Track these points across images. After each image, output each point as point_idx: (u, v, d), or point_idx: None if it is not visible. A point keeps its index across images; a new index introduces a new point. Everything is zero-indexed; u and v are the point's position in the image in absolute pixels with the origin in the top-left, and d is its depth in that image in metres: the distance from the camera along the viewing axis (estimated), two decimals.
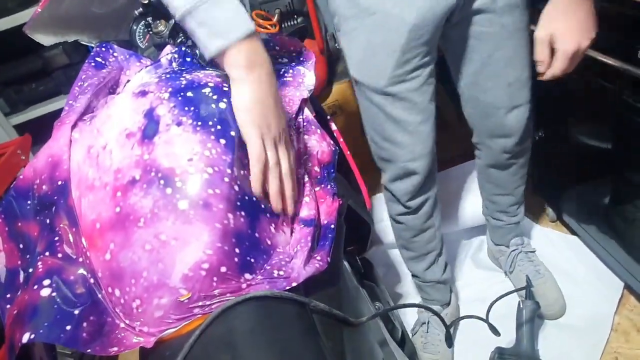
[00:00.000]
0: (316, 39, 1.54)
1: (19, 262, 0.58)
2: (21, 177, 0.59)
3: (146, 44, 1.03)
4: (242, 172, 0.55)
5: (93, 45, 1.06)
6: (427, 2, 0.80)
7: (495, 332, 0.85)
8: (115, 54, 0.80)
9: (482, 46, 0.90)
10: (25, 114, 1.56)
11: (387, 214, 1.14)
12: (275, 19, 1.58)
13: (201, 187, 0.51)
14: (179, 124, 0.54)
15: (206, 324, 0.46)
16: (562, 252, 1.33)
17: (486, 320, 0.85)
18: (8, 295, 0.57)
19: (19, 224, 0.58)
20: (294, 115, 0.67)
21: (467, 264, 1.41)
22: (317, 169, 0.64)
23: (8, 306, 0.56)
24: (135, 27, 1.02)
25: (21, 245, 0.58)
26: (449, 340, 0.72)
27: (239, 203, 0.53)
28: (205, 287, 0.48)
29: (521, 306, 1.12)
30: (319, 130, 0.68)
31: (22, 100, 1.58)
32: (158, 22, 0.90)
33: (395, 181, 1.01)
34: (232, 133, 0.54)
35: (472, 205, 1.40)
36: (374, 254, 1.48)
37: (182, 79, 0.59)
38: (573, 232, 1.37)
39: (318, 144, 0.66)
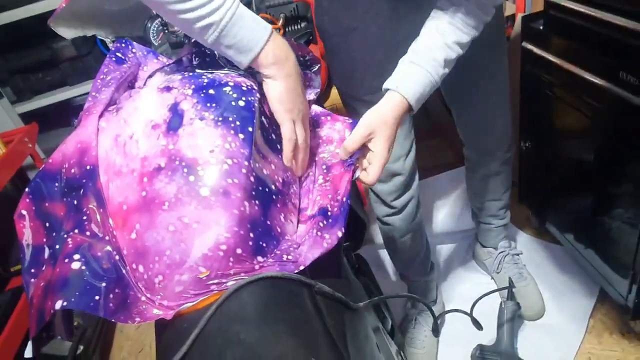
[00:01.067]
0: (318, 44, 1.60)
1: (44, 240, 0.63)
2: (50, 161, 0.64)
3: (159, 41, 1.08)
4: (257, 165, 0.60)
5: (109, 40, 1.11)
6: (404, 24, 0.86)
7: (478, 326, 0.91)
8: (134, 50, 0.85)
9: (468, 64, 0.95)
10: (31, 103, 1.59)
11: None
12: (280, 23, 1.64)
13: (221, 177, 0.56)
14: (201, 118, 0.59)
15: (222, 299, 0.51)
16: (544, 258, 1.41)
17: (470, 315, 0.91)
18: (32, 270, 0.62)
19: (46, 204, 0.62)
20: None
21: (454, 267, 1.47)
22: (335, 149, 0.70)
23: (32, 280, 0.61)
24: (149, 25, 1.07)
25: (47, 224, 0.62)
26: (436, 331, 0.77)
27: (254, 193, 0.58)
28: (223, 267, 0.53)
29: (503, 306, 1.19)
30: (328, 117, 0.74)
31: (29, 89, 1.60)
32: None
33: (380, 183, 1.07)
34: (250, 129, 0.60)
35: (460, 209, 1.47)
36: (365, 253, 1.54)
37: (204, 77, 0.65)
38: (555, 240, 1.44)
39: (332, 129, 0.73)
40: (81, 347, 1.25)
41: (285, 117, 0.64)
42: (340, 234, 0.59)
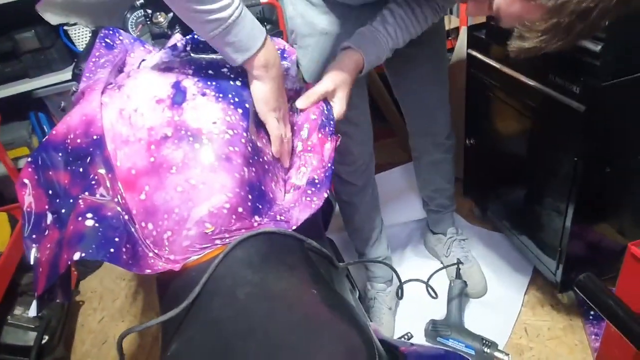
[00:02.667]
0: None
1: (46, 207, 0.67)
2: (54, 132, 0.68)
3: (138, 33, 1.12)
4: (252, 137, 0.68)
5: (89, 28, 1.14)
6: None
7: (434, 294, 1.03)
8: (121, 38, 0.90)
9: (416, 66, 1.15)
10: None
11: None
12: None
13: (224, 144, 0.63)
14: (203, 94, 0.66)
15: (231, 247, 0.58)
16: (486, 244, 1.57)
17: (426, 283, 1.03)
18: (34, 236, 0.65)
19: (50, 173, 0.66)
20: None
21: (407, 253, 1.60)
22: (314, 116, 0.77)
23: (34, 245, 0.65)
24: (129, 16, 1.12)
25: (50, 192, 0.66)
26: (401, 294, 0.88)
27: (251, 160, 0.66)
28: (226, 223, 0.60)
29: (452, 284, 1.33)
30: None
31: None
32: (158, 13, 1.01)
33: (343, 164, 1.19)
34: (247, 105, 0.68)
35: (412, 201, 1.61)
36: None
37: (202, 60, 0.72)
38: (495, 228, 1.61)
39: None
40: (46, 337, 1.25)
41: (270, 115, 0.70)
42: (326, 194, 0.67)
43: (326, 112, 0.78)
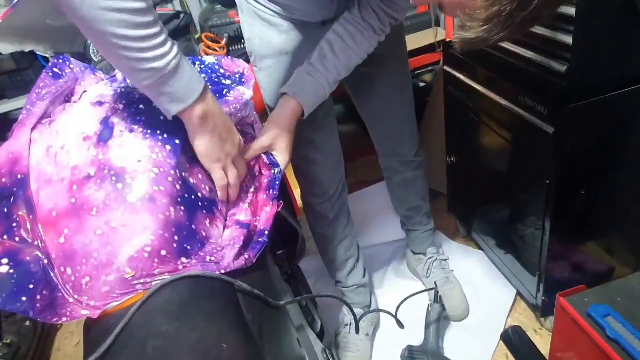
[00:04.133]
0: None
1: None
2: None
3: (99, 57, 1.11)
4: (184, 174, 0.65)
5: (48, 55, 1.13)
6: None
7: (401, 325, 0.99)
8: (71, 66, 0.88)
9: (378, 87, 1.13)
10: None
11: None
12: (223, 42, 1.70)
13: (148, 184, 0.61)
14: (131, 131, 0.64)
15: (147, 295, 0.55)
16: (469, 264, 1.52)
17: (394, 316, 0.99)
18: None
19: None
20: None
21: (388, 275, 1.56)
22: (265, 180, 0.76)
23: None
24: (89, 42, 1.10)
25: None
26: (357, 329, 0.85)
27: (179, 199, 0.63)
28: (148, 267, 0.58)
29: (430, 309, 1.28)
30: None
31: None
32: None
33: (315, 196, 1.16)
34: (177, 141, 0.65)
35: (391, 220, 1.57)
36: (307, 265, 1.60)
37: (135, 93, 0.70)
38: (479, 247, 1.56)
39: (266, 155, 0.80)
40: None
41: (213, 166, 0.69)
42: (254, 261, 0.65)
43: (273, 174, 0.77)
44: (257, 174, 0.79)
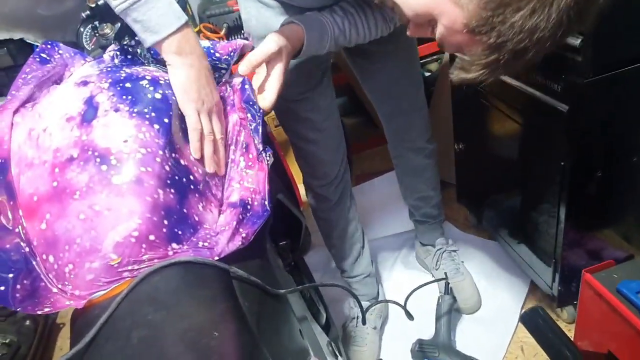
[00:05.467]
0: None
1: None
2: None
3: (92, 46, 1.07)
4: (174, 155, 0.61)
5: (39, 44, 1.10)
6: None
7: (410, 316, 0.94)
8: (60, 52, 0.84)
9: (383, 66, 1.09)
10: None
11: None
12: (222, 32, 1.66)
13: (134, 165, 0.57)
14: (116, 110, 0.60)
15: (134, 284, 0.51)
16: (480, 254, 1.47)
17: (403, 306, 0.94)
18: None
19: None
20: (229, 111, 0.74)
21: (396, 267, 1.51)
22: (245, 138, 0.71)
23: None
24: (82, 30, 1.07)
25: None
26: (364, 321, 0.80)
27: (169, 181, 0.59)
28: (135, 253, 0.54)
29: (440, 301, 1.23)
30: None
31: None
32: (104, 25, 0.96)
33: (316, 178, 1.12)
34: (166, 120, 0.61)
35: (399, 211, 1.52)
36: (312, 258, 1.56)
37: (121, 72, 0.66)
38: (490, 237, 1.51)
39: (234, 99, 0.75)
40: None
41: (188, 106, 0.65)
42: (252, 234, 0.60)
43: (257, 117, 0.71)
44: (235, 136, 0.73)
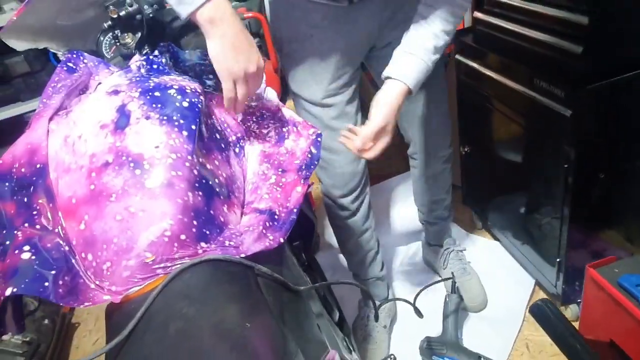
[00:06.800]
0: (271, 59, 1.67)
1: None
2: (0, 162, 0.67)
3: (112, 54, 1.12)
4: (200, 160, 0.65)
5: (61, 53, 1.15)
6: (357, 30, 0.96)
7: (419, 314, 0.98)
8: (85, 61, 0.89)
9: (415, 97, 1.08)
10: None
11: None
12: None
13: (166, 169, 0.61)
14: (147, 117, 0.64)
15: (168, 279, 0.55)
16: (486, 255, 1.51)
17: (412, 304, 0.98)
18: None
19: None
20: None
21: (404, 268, 1.55)
22: (296, 161, 0.76)
23: None
24: (102, 39, 1.11)
25: None
26: (376, 317, 0.84)
27: (197, 184, 0.63)
28: (167, 251, 0.58)
29: (447, 300, 1.27)
30: (295, 128, 0.81)
31: None
32: (125, 34, 1.00)
33: (334, 187, 1.13)
34: (193, 127, 0.65)
35: (408, 212, 1.56)
36: (322, 259, 1.60)
37: (150, 81, 0.70)
38: (495, 238, 1.55)
39: (295, 143, 0.79)
40: None
41: (224, 75, 0.69)
42: (282, 240, 0.65)
43: (310, 155, 0.76)
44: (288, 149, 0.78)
